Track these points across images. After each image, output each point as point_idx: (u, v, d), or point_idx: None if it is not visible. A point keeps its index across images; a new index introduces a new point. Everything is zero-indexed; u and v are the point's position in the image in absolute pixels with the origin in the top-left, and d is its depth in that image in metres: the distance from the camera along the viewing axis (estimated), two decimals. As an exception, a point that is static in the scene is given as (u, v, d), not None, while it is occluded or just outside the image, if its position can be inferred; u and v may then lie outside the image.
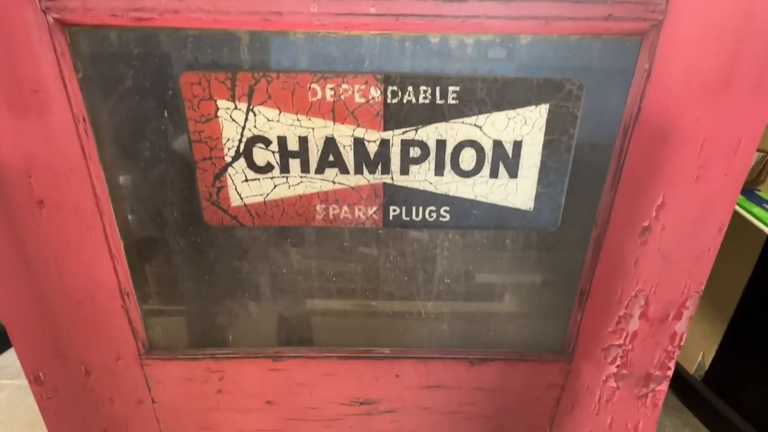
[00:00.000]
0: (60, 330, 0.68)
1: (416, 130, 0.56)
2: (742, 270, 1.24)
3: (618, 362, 0.73)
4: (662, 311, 0.68)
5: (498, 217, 0.62)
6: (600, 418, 0.78)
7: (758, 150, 1.16)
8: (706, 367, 1.39)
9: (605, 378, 0.74)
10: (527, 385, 0.77)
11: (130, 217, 0.63)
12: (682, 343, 0.71)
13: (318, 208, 0.61)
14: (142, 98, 0.55)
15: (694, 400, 1.38)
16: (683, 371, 1.41)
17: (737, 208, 1.11)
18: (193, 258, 0.66)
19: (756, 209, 1.11)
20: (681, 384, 1.40)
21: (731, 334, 1.30)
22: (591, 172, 0.60)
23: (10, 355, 1.65)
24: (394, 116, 0.55)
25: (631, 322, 0.69)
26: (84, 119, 0.56)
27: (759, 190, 1.20)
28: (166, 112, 0.56)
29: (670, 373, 0.73)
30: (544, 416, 0.80)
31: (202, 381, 0.75)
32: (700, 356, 1.41)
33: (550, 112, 0.55)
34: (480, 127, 0.56)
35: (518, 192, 0.60)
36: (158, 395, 0.76)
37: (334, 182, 0.60)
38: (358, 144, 0.57)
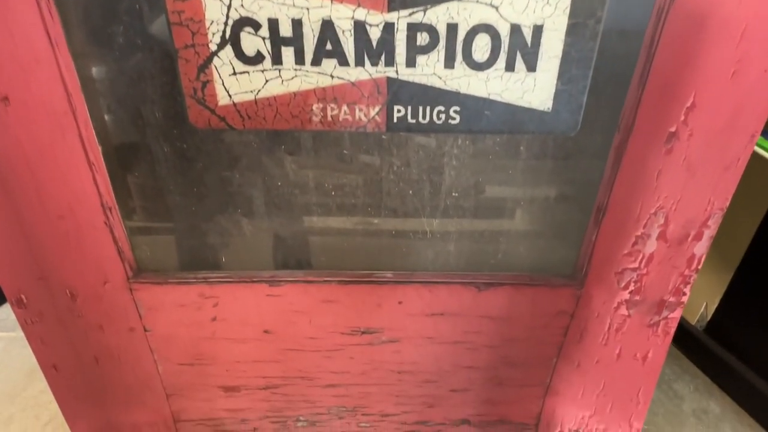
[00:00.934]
0: (40, 248, 0.63)
1: (424, 11, 0.50)
2: (752, 217, 1.20)
3: (631, 287, 0.69)
4: (682, 231, 0.64)
5: (512, 119, 0.56)
6: (608, 348, 0.75)
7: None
8: (708, 318, 1.38)
9: (617, 305, 0.71)
10: (535, 313, 0.74)
11: (107, 117, 0.57)
12: (699, 267, 0.67)
13: (315, 108, 0.55)
14: (112, -32, 0.48)
15: (694, 349, 1.38)
16: (684, 321, 1.40)
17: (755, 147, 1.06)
18: (179, 166, 0.61)
19: (775, 147, 1.06)
20: (681, 333, 1.39)
21: (737, 284, 1.28)
22: (617, 66, 0.54)
23: (5, 309, 1.63)
24: (399, -7, 0.49)
25: (648, 243, 0.66)
26: (47, -5, 0.49)
27: (778, 130, 1.14)
28: (139, -14, 0.49)
29: (685, 299, 0.70)
30: (551, 346, 0.78)
31: (196, 307, 0.72)
32: (703, 307, 1.39)
33: (577, -12, 0.49)
34: (496, 8, 0.50)
35: (536, 89, 0.55)
36: (150, 323, 0.73)
37: (332, 76, 0.54)
38: (359, 29, 0.51)
